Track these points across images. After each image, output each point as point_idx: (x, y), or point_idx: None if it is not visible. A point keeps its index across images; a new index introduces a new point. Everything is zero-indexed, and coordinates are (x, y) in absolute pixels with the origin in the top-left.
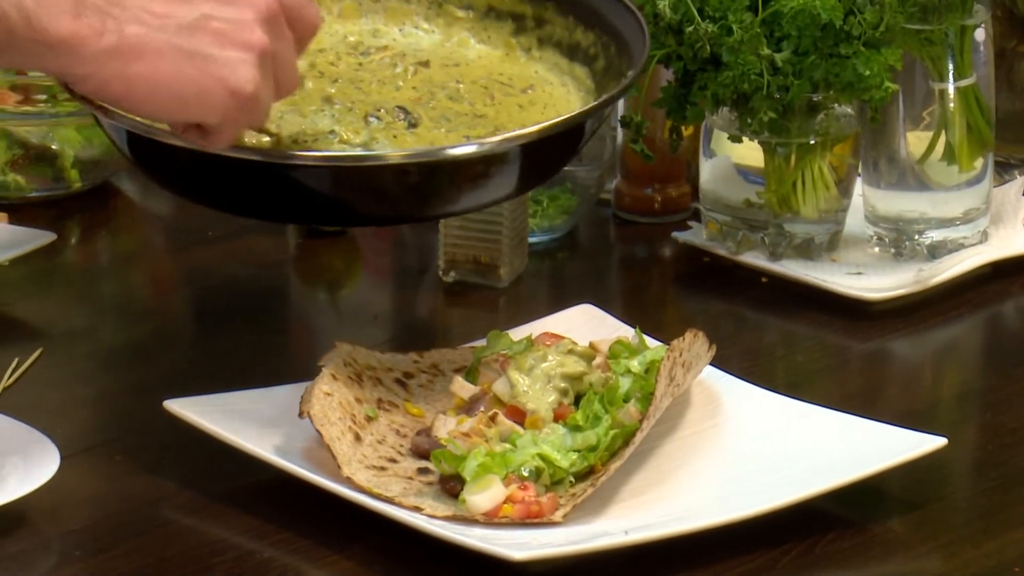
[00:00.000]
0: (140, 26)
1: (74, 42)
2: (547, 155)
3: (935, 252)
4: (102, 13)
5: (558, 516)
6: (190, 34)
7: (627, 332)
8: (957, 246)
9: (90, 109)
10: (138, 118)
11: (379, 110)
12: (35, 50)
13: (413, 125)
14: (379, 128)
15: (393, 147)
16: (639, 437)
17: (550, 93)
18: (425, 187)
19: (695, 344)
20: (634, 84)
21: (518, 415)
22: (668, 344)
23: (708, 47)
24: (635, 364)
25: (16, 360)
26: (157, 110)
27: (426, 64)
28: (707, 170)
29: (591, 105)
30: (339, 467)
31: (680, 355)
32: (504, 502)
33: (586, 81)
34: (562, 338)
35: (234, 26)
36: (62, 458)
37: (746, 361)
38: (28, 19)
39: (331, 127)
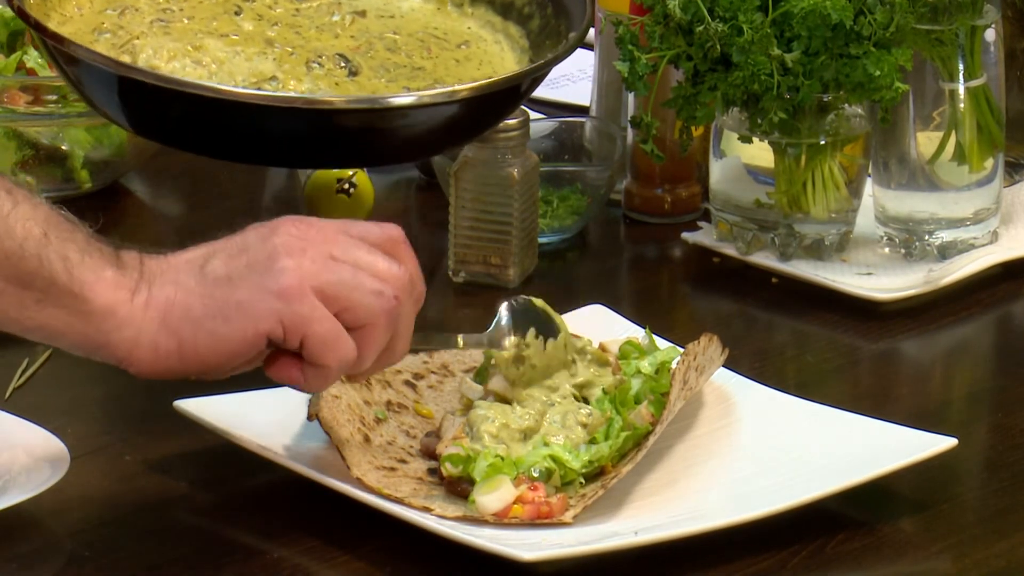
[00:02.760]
0: (172, 285)
1: (111, 307)
2: (485, 112)
3: (945, 252)
4: (137, 282)
5: (568, 517)
6: (208, 270)
7: (637, 332)
8: (967, 246)
9: (48, 44)
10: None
11: (320, 56)
12: (75, 309)
13: (354, 73)
14: (321, 75)
15: (338, 94)
16: (651, 440)
17: (484, 50)
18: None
19: (709, 348)
20: (576, 46)
21: None
22: (678, 345)
23: (718, 47)
24: (646, 365)
25: (26, 361)
26: (216, 346)
27: (363, 14)
28: (717, 170)
29: (533, 66)
30: (349, 468)
31: (694, 359)
32: (514, 503)
33: (520, 40)
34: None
35: (244, 250)
36: (72, 458)
37: (756, 361)
38: (70, 271)
39: (273, 72)
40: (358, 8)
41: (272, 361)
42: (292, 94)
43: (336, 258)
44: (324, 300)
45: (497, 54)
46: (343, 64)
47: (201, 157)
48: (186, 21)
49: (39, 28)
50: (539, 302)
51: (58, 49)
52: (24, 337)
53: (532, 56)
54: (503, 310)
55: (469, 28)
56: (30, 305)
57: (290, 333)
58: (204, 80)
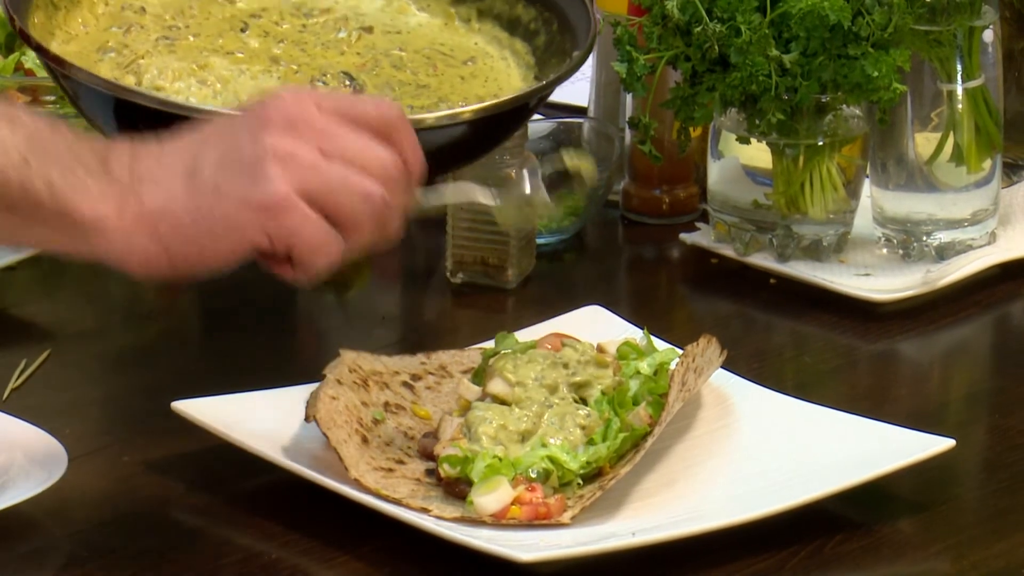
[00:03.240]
0: (162, 193)
1: (99, 223)
2: (490, 131)
3: (943, 253)
4: (125, 192)
5: (566, 518)
6: (197, 174)
7: (635, 333)
8: (965, 247)
9: (56, 70)
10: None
11: (324, 75)
12: (64, 227)
13: (358, 92)
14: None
15: None
16: (649, 442)
17: (491, 66)
18: None
19: (708, 349)
20: (580, 64)
21: None
22: (676, 345)
23: (716, 48)
24: (644, 366)
25: (24, 361)
26: (204, 257)
27: (369, 30)
28: (715, 171)
29: (541, 84)
30: (346, 469)
31: (693, 361)
32: (512, 503)
33: (526, 56)
34: (568, 337)
35: (234, 149)
36: (70, 459)
37: (755, 362)
38: (54, 194)
39: None
40: (365, 24)
41: (264, 260)
42: None
43: (327, 154)
44: (311, 203)
45: (503, 71)
46: (347, 82)
47: None
48: (192, 39)
49: (40, 50)
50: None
51: (60, 72)
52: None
53: (538, 73)
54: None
55: (476, 44)
56: (19, 226)
57: (277, 244)
58: (207, 102)
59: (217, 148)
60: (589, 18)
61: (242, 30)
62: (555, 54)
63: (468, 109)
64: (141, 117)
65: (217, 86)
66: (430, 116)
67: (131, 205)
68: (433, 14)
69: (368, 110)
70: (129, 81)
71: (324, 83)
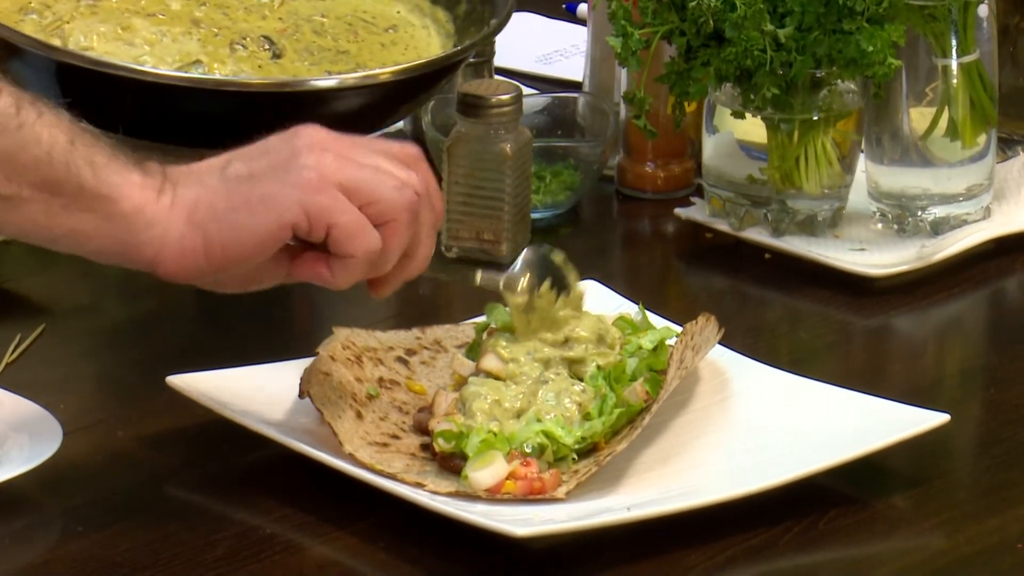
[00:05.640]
0: (195, 185)
1: (140, 208)
2: (404, 95)
3: (938, 228)
4: (160, 185)
5: (561, 493)
6: (230, 168)
7: (630, 308)
8: (960, 222)
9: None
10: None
11: (245, 38)
12: (103, 212)
13: (277, 56)
14: (244, 57)
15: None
16: (646, 419)
17: (412, 35)
18: (290, 117)
19: (706, 328)
20: (496, 33)
21: None
22: (671, 320)
23: (711, 22)
24: (646, 342)
25: (19, 336)
26: (242, 240)
27: None
28: (710, 146)
29: (450, 51)
30: (341, 444)
31: (691, 339)
32: (506, 478)
33: (447, 25)
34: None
35: (267, 152)
36: (65, 434)
37: (749, 338)
38: (97, 176)
39: (198, 55)
40: None
41: (298, 260)
42: (195, 75)
43: (357, 159)
44: (347, 194)
45: (424, 39)
46: (267, 46)
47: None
48: (115, 1)
49: None
50: (559, 257)
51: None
52: (50, 247)
53: (457, 41)
54: (522, 257)
55: (398, 12)
56: (58, 211)
57: (315, 223)
58: (130, 61)
59: (247, 154)
60: None
61: None
62: (474, 23)
63: (387, 71)
64: (76, 81)
65: (145, 48)
66: (351, 77)
67: (167, 195)
68: None
69: (391, 144)
70: (55, 44)
71: (243, 47)
